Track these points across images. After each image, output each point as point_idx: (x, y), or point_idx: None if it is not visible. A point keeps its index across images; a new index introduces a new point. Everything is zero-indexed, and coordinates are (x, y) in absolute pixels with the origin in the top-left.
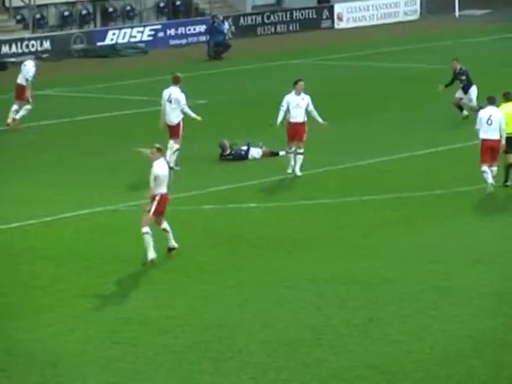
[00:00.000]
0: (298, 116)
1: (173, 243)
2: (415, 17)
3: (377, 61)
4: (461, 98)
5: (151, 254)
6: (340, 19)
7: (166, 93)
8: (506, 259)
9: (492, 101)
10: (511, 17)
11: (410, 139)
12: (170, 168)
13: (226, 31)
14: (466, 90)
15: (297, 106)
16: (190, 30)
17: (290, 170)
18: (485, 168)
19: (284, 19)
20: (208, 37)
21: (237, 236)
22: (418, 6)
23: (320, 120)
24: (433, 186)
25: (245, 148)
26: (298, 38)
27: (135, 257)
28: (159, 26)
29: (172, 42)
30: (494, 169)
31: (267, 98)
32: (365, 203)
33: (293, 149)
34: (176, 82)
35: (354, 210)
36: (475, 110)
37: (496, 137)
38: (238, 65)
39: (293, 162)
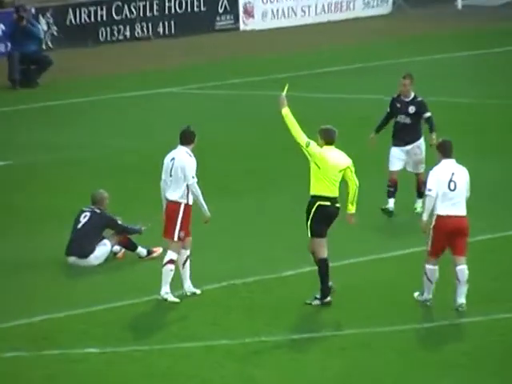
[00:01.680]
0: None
1: None
2: (385, 10)
3: (306, 89)
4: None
5: None
6: (249, 14)
7: None
8: None
9: (449, 150)
10: None
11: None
12: None
13: (41, 35)
14: (409, 140)
15: None
16: None
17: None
18: (432, 268)
19: (149, 14)
20: (10, 45)
21: None
22: None
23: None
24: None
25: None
26: (174, 48)
27: None
28: None
29: None
30: (464, 267)
31: (119, 152)
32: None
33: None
34: None
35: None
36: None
37: (463, 211)
38: (64, 96)
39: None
